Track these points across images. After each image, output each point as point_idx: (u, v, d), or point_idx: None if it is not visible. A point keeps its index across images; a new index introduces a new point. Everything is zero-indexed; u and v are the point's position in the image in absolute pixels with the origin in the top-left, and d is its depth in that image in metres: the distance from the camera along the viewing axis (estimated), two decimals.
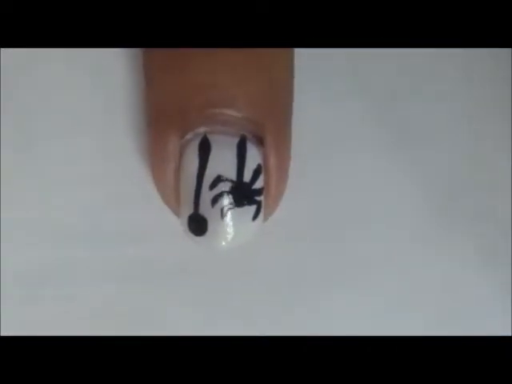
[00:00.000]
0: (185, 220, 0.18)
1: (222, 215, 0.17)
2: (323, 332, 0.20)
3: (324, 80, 0.20)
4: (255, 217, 0.18)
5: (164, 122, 0.18)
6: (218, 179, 0.17)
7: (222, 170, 0.17)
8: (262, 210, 0.18)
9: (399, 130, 0.21)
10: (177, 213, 0.18)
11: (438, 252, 0.21)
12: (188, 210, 0.18)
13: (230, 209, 0.17)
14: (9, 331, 0.19)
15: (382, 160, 0.21)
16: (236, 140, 0.18)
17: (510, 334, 0.20)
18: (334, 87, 0.20)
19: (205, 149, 0.17)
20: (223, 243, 0.18)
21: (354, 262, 0.21)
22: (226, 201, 0.17)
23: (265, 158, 0.18)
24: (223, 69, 0.17)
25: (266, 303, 0.20)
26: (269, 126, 0.18)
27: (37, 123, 0.20)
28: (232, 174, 0.17)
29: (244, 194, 0.18)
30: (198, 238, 0.18)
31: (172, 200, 0.18)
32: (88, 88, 0.20)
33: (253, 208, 0.18)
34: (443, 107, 0.21)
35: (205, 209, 0.17)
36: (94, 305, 0.20)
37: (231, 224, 0.18)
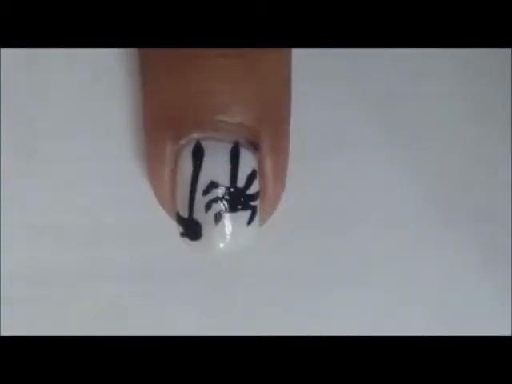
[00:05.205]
0: (180, 224, 0.18)
1: (216, 220, 0.17)
2: (323, 332, 0.20)
3: (324, 81, 0.20)
4: (250, 221, 0.18)
5: (159, 127, 0.18)
6: (212, 185, 0.17)
7: (215, 175, 0.17)
8: (257, 214, 0.18)
9: (399, 130, 0.21)
10: (172, 216, 0.18)
11: (439, 251, 0.21)
12: (183, 214, 0.18)
13: (224, 214, 0.17)
14: (9, 331, 0.19)
15: (382, 160, 0.21)
16: (229, 146, 0.17)
17: (510, 334, 0.20)
18: (333, 88, 0.20)
19: (198, 155, 0.17)
20: (218, 248, 0.18)
21: (354, 262, 0.21)
22: (220, 206, 0.17)
23: (260, 162, 0.18)
24: (218, 75, 0.17)
25: (266, 303, 0.20)
26: (264, 131, 0.18)
27: (37, 123, 0.20)
28: (225, 179, 0.17)
29: (238, 200, 0.17)
30: (193, 243, 0.18)
31: (168, 203, 0.18)
32: (88, 88, 0.20)
33: (247, 213, 0.18)
34: (443, 107, 0.21)
35: (199, 214, 0.17)
36: (94, 305, 0.20)
37: (225, 229, 0.18)
